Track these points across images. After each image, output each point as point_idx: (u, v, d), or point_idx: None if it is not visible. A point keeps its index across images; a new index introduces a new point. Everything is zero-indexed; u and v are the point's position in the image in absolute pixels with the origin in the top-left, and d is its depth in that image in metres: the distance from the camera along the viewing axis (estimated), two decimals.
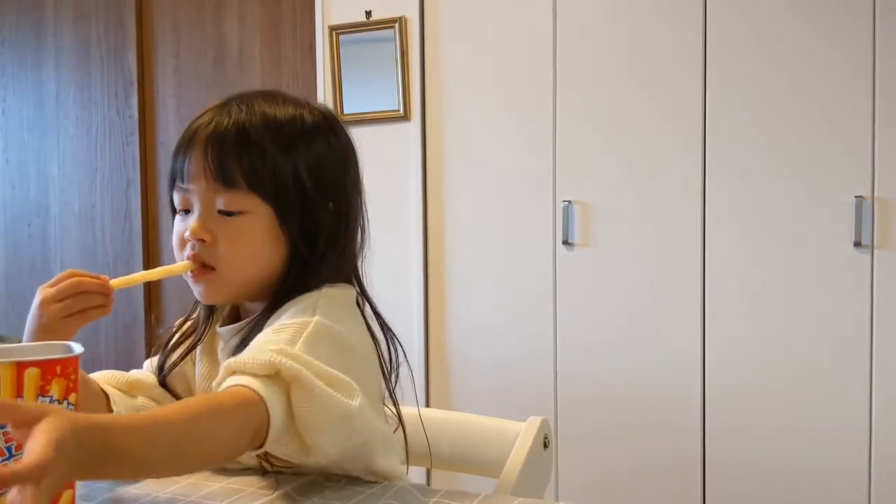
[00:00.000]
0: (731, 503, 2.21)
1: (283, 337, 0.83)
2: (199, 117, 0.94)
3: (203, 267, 0.92)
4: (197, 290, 0.95)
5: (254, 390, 0.76)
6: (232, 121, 0.91)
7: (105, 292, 0.90)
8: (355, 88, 2.60)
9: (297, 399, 0.77)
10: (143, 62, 3.16)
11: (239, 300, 0.98)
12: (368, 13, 2.56)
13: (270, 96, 0.96)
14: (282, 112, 0.94)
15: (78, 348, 0.72)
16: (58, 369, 0.67)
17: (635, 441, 2.30)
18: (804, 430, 2.14)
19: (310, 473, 0.90)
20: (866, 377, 2.08)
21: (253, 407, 0.75)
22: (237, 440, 0.74)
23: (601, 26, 2.32)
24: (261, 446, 0.77)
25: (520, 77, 2.40)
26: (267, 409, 0.75)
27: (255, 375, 0.77)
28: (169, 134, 3.12)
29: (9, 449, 0.67)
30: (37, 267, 3.33)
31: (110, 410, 0.93)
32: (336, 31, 2.60)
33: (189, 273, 0.93)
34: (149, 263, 3.15)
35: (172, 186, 0.95)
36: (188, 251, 0.93)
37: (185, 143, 0.93)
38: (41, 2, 3.30)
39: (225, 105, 0.94)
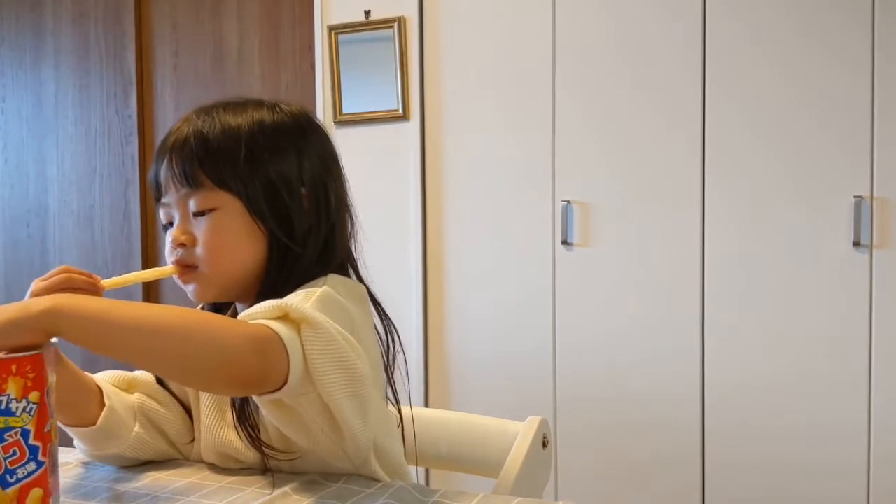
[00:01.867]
0: (730, 500, 2.21)
1: (291, 298, 0.84)
2: (167, 134, 0.98)
3: (187, 268, 0.95)
4: (188, 292, 0.97)
5: (269, 326, 0.77)
6: (191, 129, 0.95)
7: (94, 291, 0.91)
8: (354, 88, 2.59)
9: (307, 337, 0.78)
10: (142, 62, 3.16)
11: (228, 297, 0.99)
12: (367, 13, 2.56)
13: (233, 105, 0.98)
14: (242, 118, 0.96)
15: (45, 347, 0.71)
16: (13, 368, 0.67)
17: (635, 439, 2.30)
18: (803, 428, 2.14)
19: (308, 473, 0.90)
20: (865, 376, 2.09)
21: (267, 340, 0.76)
22: (240, 346, 0.74)
23: (600, 26, 2.32)
24: (279, 389, 0.77)
25: (519, 76, 2.40)
26: (285, 347, 0.76)
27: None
28: None
29: None
30: (35, 267, 3.33)
31: (103, 405, 0.94)
32: (335, 30, 2.60)
33: (176, 276, 0.96)
34: (147, 263, 3.15)
35: (158, 203, 1.00)
36: (172, 256, 0.96)
37: (155, 159, 0.98)
38: (40, 2, 3.30)
39: (187, 118, 0.97)
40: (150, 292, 3.13)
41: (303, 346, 0.78)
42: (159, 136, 3.13)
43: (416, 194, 2.52)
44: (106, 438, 0.94)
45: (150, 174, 0.98)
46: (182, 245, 0.95)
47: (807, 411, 2.13)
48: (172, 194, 0.95)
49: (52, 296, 0.72)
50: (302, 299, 0.84)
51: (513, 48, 2.41)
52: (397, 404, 1.02)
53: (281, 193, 0.95)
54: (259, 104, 0.99)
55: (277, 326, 0.78)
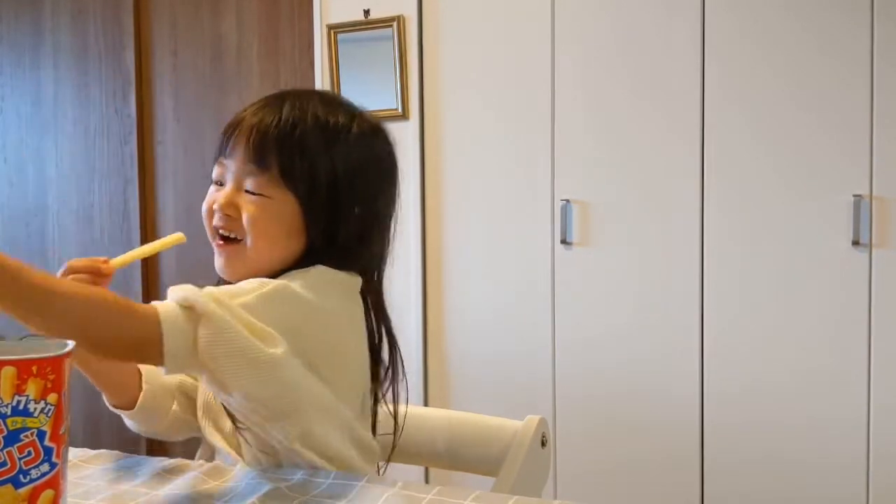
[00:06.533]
0: (729, 499, 2.21)
1: (234, 289, 0.88)
2: (252, 104, 0.98)
3: (228, 240, 0.96)
4: (219, 263, 0.98)
5: (162, 306, 0.82)
6: (282, 115, 0.95)
7: (94, 272, 0.93)
8: (353, 87, 2.59)
9: (201, 332, 0.82)
10: (140, 61, 3.15)
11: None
12: (367, 12, 2.56)
13: (328, 99, 1.00)
14: (333, 117, 0.97)
15: (62, 348, 0.71)
16: (34, 369, 0.67)
17: (634, 438, 2.30)
18: (802, 427, 2.14)
19: (303, 470, 0.90)
20: (864, 375, 2.09)
21: (141, 318, 0.81)
22: (109, 324, 0.80)
23: (599, 25, 2.32)
24: (158, 363, 0.82)
25: (518, 75, 2.40)
26: (160, 326, 0.81)
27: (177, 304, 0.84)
28: (167, 133, 3.12)
29: None
30: (35, 266, 3.32)
31: (140, 388, 1.00)
32: (334, 29, 2.60)
33: (216, 243, 0.98)
34: (146, 262, 3.14)
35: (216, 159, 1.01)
36: (216, 221, 0.97)
37: (234, 125, 0.97)
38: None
39: (280, 97, 0.97)
40: (149, 282, 3.14)
41: (198, 339, 0.82)
42: (158, 136, 3.13)
43: (415, 193, 2.51)
44: (148, 418, 1.02)
45: (223, 137, 0.98)
46: (227, 216, 0.95)
47: (806, 410, 2.14)
48: (236, 161, 0.96)
49: None
50: (237, 292, 0.87)
51: (512, 47, 2.41)
52: (396, 403, 1.03)
53: (340, 209, 0.96)
54: (347, 108, 0.99)
55: (170, 308, 0.82)
